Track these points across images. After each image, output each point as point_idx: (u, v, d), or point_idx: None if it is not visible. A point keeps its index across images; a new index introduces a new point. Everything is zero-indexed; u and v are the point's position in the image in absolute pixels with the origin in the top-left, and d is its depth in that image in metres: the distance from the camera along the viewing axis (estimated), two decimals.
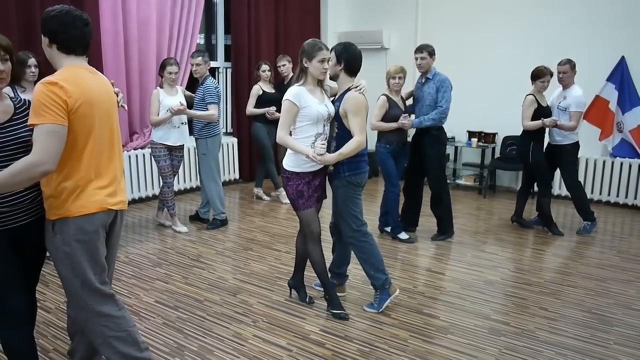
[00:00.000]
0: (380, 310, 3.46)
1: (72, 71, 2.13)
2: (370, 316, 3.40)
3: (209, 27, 7.33)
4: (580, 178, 6.42)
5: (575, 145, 5.16)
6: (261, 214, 5.87)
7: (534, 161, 5.18)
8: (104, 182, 2.22)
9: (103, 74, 5.53)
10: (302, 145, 3.20)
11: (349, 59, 3.32)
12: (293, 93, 3.19)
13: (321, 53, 3.18)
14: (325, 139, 3.28)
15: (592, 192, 6.46)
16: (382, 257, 3.50)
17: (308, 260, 3.54)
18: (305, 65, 3.23)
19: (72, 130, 2.07)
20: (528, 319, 3.39)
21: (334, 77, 3.40)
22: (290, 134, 3.28)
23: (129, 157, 5.93)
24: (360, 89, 3.29)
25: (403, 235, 4.97)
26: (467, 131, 7.13)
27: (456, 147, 7.36)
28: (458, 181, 7.35)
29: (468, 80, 7.00)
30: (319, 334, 3.17)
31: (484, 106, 7.07)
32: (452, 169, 7.47)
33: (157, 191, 6.11)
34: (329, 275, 3.58)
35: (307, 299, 3.59)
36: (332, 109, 3.31)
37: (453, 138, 7.22)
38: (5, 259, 2.15)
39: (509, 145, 6.83)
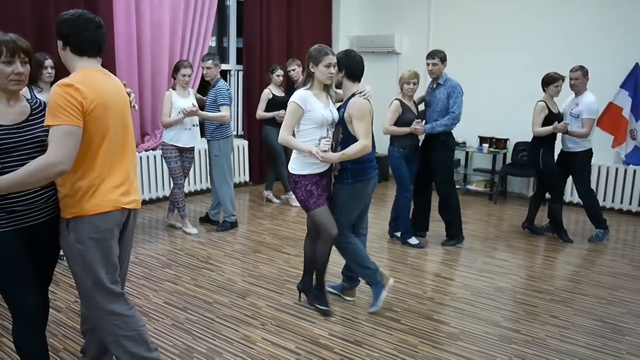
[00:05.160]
0: (379, 304, 3.48)
1: (86, 73, 2.17)
2: (380, 321, 3.39)
3: (221, 30, 7.37)
4: (593, 185, 6.35)
5: (588, 153, 5.12)
6: (271, 217, 5.87)
7: (545, 168, 5.14)
8: (117, 182, 2.25)
9: (116, 75, 5.59)
10: (304, 143, 3.25)
11: (349, 65, 3.37)
12: (299, 96, 3.25)
13: (327, 58, 3.24)
14: (329, 141, 3.31)
15: (604, 200, 6.41)
16: (367, 254, 3.53)
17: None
18: (312, 70, 3.28)
19: (87, 131, 2.10)
20: (539, 327, 3.36)
21: (338, 85, 3.45)
22: (295, 137, 3.33)
23: (140, 158, 5.97)
24: (365, 94, 3.33)
25: (413, 241, 4.96)
26: (479, 136, 7.11)
27: (467, 153, 7.33)
28: (468, 187, 7.32)
29: (480, 85, 6.98)
30: (328, 338, 3.16)
31: (496, 111, 7.04)
32: (462, 175, 7.44)
33: (167, 192, 6.14)
34: (342, 278, 3.69)
35: (315, 303, 3.59)
36: (336, 114, 3.36)
37: (464, 143, 7.20)
38: (20, 257, 2.18)
39: (520, 151, 6.79)
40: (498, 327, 3.35)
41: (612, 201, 6.41)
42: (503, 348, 3.09)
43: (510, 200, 6.96)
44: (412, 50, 7.82)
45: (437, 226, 5.23)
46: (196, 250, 4.71)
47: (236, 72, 7.33)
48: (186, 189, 6.45)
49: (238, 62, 7.31)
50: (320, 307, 3.50)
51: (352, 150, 3.24)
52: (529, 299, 3.81)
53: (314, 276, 3.57)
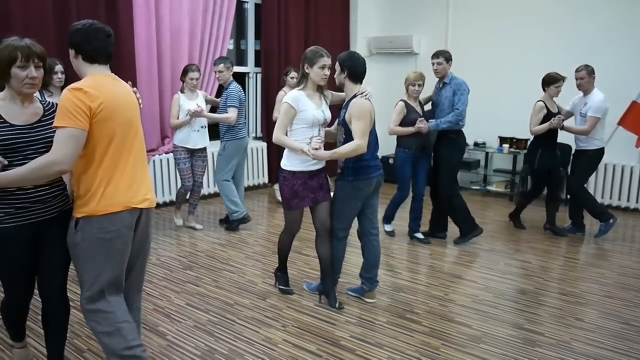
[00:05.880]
0: (308, 289, 3.84)
1: (96, 78, 2.26)
2: (401, 323, 3.37)
3: (239, 32, 7.40)
4: (616, 185, 6.30)
5: (598, 152, 5.08)
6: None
7: (539, 168, 5.22)
8: (126, 183, 2.31)
9: (136, 79, 5.68)
10: (296, 142, 3.35)
11: (352, 66, 3.42)
12: (292, 97, 3.36)
13: (322, 60, 3.34)
14: (320, 140, 3.40)
15: (628, 200, 6.32)
16: (342, 262, 3.73)
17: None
18: (307, 71, 3.39)
19: (95, 133, 2.19)
20: (563, 330, 3.31)
21: (340, 86, 3.53)
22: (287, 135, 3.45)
23: (160, 160, 6.03)
24: (366, 95, 3.39)
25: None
26: (499, 137, 7.03)
27: (487, 153, 7.25)
28: (489, 187, 7.24)
29: (499, 85, 6.92)
30: (349, 340, 3.15)
31: (516, 112, 6.91)
32: (482, 175, 7.38)
33: (188, 196, 6.18)
34: (360, 281, 3.73)
35: (336, 305, 3.59)
36: (328, 114, 3.47)
37: (484, 144, 7.14)
38: (23, 254, 2.32)
39: None
40: (521, 329, 3.31)
41: (637, 202, 6.29)
42: (527, 351, 3.04)
43: (532, 200, 6.84)
44: (430, 50, 7.60)
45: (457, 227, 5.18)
46: (216, 252, 4.73)
47: (254, 75, 7.36)
48: (206, 191, 6.52)
49: (256, 64, 7.34)
50: (282, 287, 3.84)
51: (345, 149, 3.33)
52: (552, 302, 3.75)
53: (279, 263, 3.87)
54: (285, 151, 3.48)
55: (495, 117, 6.85)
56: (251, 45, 7.30)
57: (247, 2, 7.15)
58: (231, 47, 7.25)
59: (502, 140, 6.99)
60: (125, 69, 5.31)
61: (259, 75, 7.31)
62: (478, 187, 7.34)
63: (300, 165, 3.41)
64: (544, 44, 6.71)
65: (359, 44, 8.07)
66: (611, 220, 5.16)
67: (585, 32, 6.40)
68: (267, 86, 7.13)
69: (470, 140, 7.01)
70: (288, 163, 3.45)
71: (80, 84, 2.18)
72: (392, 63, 7.94)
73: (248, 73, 7.30)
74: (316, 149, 3.28)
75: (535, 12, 6.79)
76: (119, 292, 2.39)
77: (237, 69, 7.14)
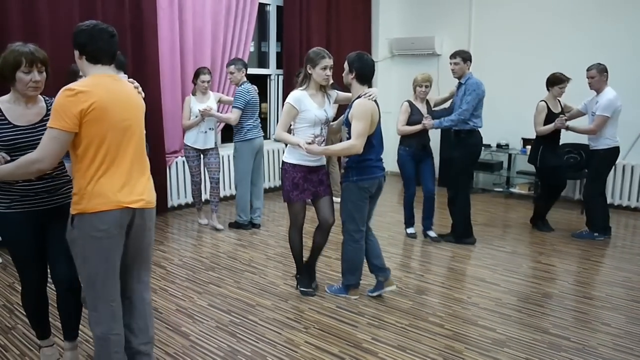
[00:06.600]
0: (330, 291, 3.83)
1: (94, 79, 2.27)
2: (424, 326, 3.35)
3: (261, 35, 7.45)
4: None
5: (609, 152, 4.99)
6: (310, 221, 5.81)
7: (542, 166, 5.23)
8: (119, 183, 2.28)
9: (160, 82, 5.75)
10: (294, 137, 3.50)
11: (360, 67, 3.48)
12: (295, 97, 3.50)
13: (324, 61, 3.45)
14: (322, 139, 3.53)
15: None
16: (362, 264, 3.73)
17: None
18: (309, 71, 3.50)
19: (87, 133, 2.19)
20: (590, 335, 3.25)
21: (348, 86, 3.59)
22: (292, 134, 3.58)
23: (183, 162, 6.09)
24: (371, 96, 3.44)
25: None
26: (522, 138, 6.94)
27: (510, 155, 7.16)
28: (512, 189, 7.16)
29: (523, 86, 6.83)
30: (372, 342, 3.14)
31: None
32: (505, 177, 7.30)
33: (208, 196, 6.24)
34: (375, 277, 3.80)
35: (312, 285, 3.86)
36: (330, 113, 3.61)
37: (507, 145, 7.06)
38: (28, 237, 2.50)
39: (566, 153, 6.60)
40: (547, 334, 3.26)
41: None
42: (552, 356, 2.99)
43: (555, 203, 6.74)
44: (452, 51, 7.70)
45: (481, 230, 5.14)
46: (238, 253, 4.76)
47: (276, 77, 7.40)
48: (227, 193, 6.59)
49: (278, 66, 7.37)
50: (303, 289, 3.83)
51: (338, 147, 3.51)
52: (578, 306, 3.69)
53: (296, 265, 3.96)
54: (288, 146, 3.63)
55: (519, 119, 6.74)
56: (273, 48, 7.33)
57: (269, 4, 7.19)
58: (253, 49, 7.30)
59: (525, 141, 6.89)
60: (149, 72, 5.39)
61: (281, 77, 7.33)
62: (501, 189, 7.27)
63: (300, 159, 3.54)
64: (568, 45, 6.60)
65: (381, 46, 8.05)
66: (596, 234, 5.13)
67: (611, 33, 6.28)
68: (289, 88, 7.12)
69: (493, 142, 6.97)
70: (289, 156, 3.60)
71: (74, 84, 2.19)
72: (414, 64, 7.89)
73: (270, 75, 7.34)
74: (309, 143, 3.39)
75: (559, 13, 6.69)
76: (114, 292, 2.38)
77: (259, 71, 7.19)
